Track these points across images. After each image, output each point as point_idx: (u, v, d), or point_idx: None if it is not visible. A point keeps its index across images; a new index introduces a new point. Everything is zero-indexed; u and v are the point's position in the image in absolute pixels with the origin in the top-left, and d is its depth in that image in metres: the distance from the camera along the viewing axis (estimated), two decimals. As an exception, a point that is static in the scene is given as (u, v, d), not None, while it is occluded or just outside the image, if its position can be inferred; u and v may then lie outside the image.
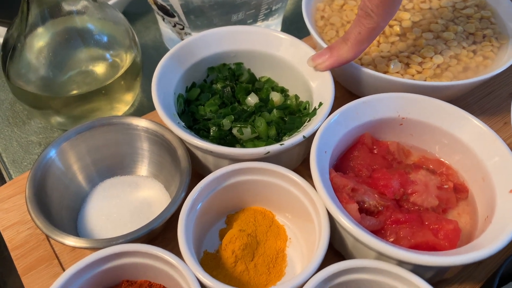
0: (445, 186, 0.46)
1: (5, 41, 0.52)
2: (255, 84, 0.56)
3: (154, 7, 0.61)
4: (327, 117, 0.45)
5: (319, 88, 0.49)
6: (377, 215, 0.43)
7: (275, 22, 0.66)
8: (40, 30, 0.51)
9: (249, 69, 0.56)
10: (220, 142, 0.49)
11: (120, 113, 0.59)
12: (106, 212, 0.47)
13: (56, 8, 0.50)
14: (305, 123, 0.49)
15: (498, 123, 0.58)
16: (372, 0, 0.42)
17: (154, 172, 0.51)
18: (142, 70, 0.59)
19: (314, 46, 0.56)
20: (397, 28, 0.57)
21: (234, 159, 0.45)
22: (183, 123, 0.48)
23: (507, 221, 0.39)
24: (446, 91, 0.51)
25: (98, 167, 0.50)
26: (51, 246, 0.47)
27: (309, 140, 0.45)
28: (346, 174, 0.46)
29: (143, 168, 0.51)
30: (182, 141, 0.47)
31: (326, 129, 0.45)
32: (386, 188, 0.44)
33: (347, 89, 0.60)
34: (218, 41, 0.54)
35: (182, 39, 0.61)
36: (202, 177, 0.44)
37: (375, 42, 0.56)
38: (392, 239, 0.41)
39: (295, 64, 0.53)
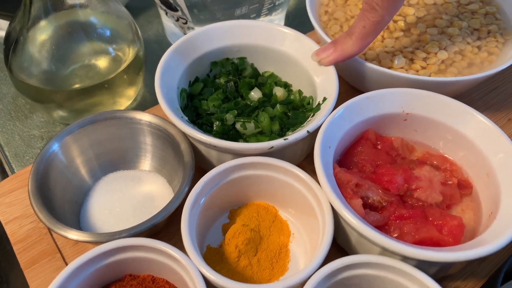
0: (449, 182, 0.46)
1: (8, 34, 0.52)
2: (258, 79, 0.55)
3: (157, 1, 0.60)
4: (331, 112, 0.45)
5: (323, 83, 0.49)
6: (381, 211, 0.43)
7: (278, 17, 0.66)
8: (42, 23, 0.51)
9: (252, 64, 0.56)
10: (223, 137, 0.49)
11: (122, 108, 0.59)
12: (108, 206, 0.47)
13: (59, 1, 0.50)
14: (309, 118, 0.48)
15: (503, 119, 0.58)
16: (377, -6, 0.42)
17: (157, 166, 0.50)
18: (145, 65, 0.59)
19: (318, 41, 0.56)
20: (401, 24, 0.56)
21: (238, 154, 0.45)
22: (186, 118, 0.48)
23: (512, 217, 0.39)
24: (450, 87, 0.51)
25: (100, 161, 0.50)
26: (54, 240, 0.47)
27: (312, 135, 0.45)
28: (349, 169, 0.46)
29: (146, 163, 0.51)
30: (185, 135, 0.47)
31: (330, 124, 0.44)
32: (390, 183, 0.44)
33: (350, 84, 0.59)
34: (221, 36, 0.54)
35: (185, 34, 0.61)
36: (205, 172, 0.44)
37: (379, 37, 0.55)
38: (396, 235, 0.41)
39: (299, 59, 0.52)
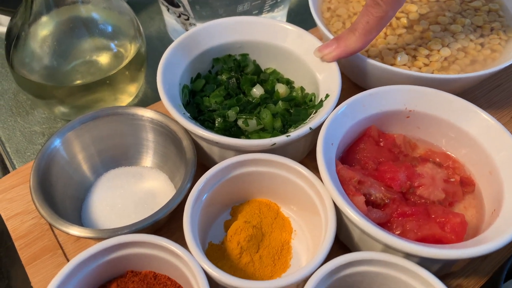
0: (452, 180, 0.46)
1: (9, 30, 0.52)
2: (260, 76, 0.55)
3: (159, -3, 0.60)
4: (334, 109, 0.45)
5: (326, 80, 0.49)
6: (384, 208, 0.42)
7: (281, 13, 0.66)
8: (44, 19, 0.51)
9: (254, 60, 0.56)
10: (225, 134, 0.48)
11: (123, 104, 0.58)
12: (110, 203, 0.47)
13: (61, -4, 0.50)
14: (311, 115, 0.48)
15: (505, 116, 0.58)
16: (381, -11, 0.42)
17: (158, 163, 0.50)
18: (146, 61, 0.59)
19: (320, 38, 0.55)
20: (404, 20, 0.56)
21: (240, 150, 0.45)
22: (188, 114, 0.47)
23: (515, 215, 0.39)
24: (453, 84, 0.51)
25: (102, 157, 0.49)
26: (55, 236, 0.47)
27: (315, 132, 0.45)
28: (352, 166, 0.45)
29: (148, 159, 0.51)
30: (187, 132, 0.47)
31: (333, 121, 0.44)
32: (393, 181, 0.44)
33: (353, 81, 0.59)
34: (223, 32, 0.54)
35: (187, 30, 0.61)
36: (206, 168, 0.44)
37: (381, 34, 0.55)
38: (398, 232, 0.41)
39: (301, 56, 0.52)
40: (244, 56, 0.55)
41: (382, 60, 0.53)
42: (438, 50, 0.53)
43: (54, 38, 0.52)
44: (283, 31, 0.53)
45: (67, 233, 0.41)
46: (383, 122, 0.48)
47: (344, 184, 0.42)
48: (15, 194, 0.49)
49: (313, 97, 0.51)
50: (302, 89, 0.53)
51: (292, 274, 0.37)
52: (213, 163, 0.46)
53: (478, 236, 0.40)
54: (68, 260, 0.45)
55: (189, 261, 0.38)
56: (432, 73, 0.52)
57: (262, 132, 0.49)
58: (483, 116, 0.45)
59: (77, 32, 0.52)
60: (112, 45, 0.55)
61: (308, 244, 0.45)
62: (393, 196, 0.43)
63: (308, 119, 0.48)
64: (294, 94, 0.53)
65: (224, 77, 0.54)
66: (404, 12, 0.57)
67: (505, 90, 0.60)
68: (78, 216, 0.46)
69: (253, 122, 0.49)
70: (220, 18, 0.54)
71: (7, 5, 0.61)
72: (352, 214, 0.38)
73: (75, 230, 0.40)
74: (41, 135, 0.57)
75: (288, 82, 0.55)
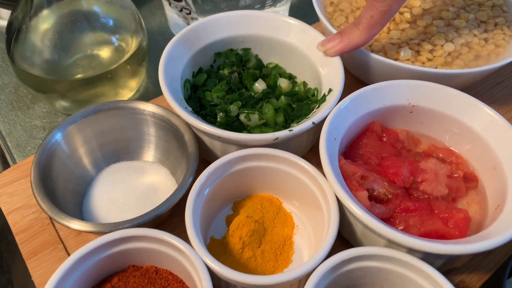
0: (455, 175, 0.46)
1: (10, 23, 0.51)
2: (262, 70, 0.55)
3: (160, -9, 0.60)
4: (337, 104, 0.45)
5: (329, 75, 0.49)
6: (387, 203, 0.42)
7: (283, 8, 0.65)
8: (45, 12, 0.50)
9: (256, 55, 0.56)
10: (227, 128, 0.48)
11: (125, 99, 0.58)
12: (111, 197, 0.47)
13: (62, -11, 0.49)
14: (314, 110, 0.48)
15: (509, 112, 0.57)
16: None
17: (160, 157, 0.50)
18: (148, 56, 0.58)
19: (323, 32, 0.55)
20: (407, 15, 0.56)
21: (242, 145, 0.45)
22: (190, 108, 0.47)
23: (519, 210, 0.39)
24: (456, 79, 0.50)
25: (103, 151, 0.49)
26: (56, 230, 0.47)
27: (317, 127, 0.45)
28: (355, 161, 0.45)
29: (149, 154, 0.50)
30: (189, 126, 0.46)
31: (336, 116, 0.44)
32: (396, 176, 0.44)
33: (356, 77, 0.59)
34: (225, 26, 0.53)
35: (189, 24, 0.60)
36: (208, 163, 0.44)
37: (385, 29, 0.55)
38: (401, 227, 0.41)
39: (304, 50, 0.52)
40: (246, 50, 0.55)
41: (386, 55, 0.53)
42: (442, 45, 0.53)
43: (55, 31, 0.51)
44: (286, 26, 0.53)
45: (68, 227, 0.40)
46: (386, 117, 0.48)
47: (347, 179, 0.41)
48: (16, 188, 0.49)
49: (315, 92, 0.51)
50: (304, 83, 0.53)
51: (295, 269, 0.37)
52: (215, 157, 0.46)
53: (481, 231, 0.40)
54: (69, 255, 0.45)
55: (191, 255, 0.37)
56: (436, 68, 0.51)
57: (264, 127, 0.49)
58: (487, 111, 0.45)
59: (78, 26, 0.52)
60: (114, 39, 0.55)
61: (310, 239, 0.45)
62: (396, 192, 0.42)
63: (310, 114, 0.47)
64: (296, 88, 0.53)
65: (226, 71, 0.53)
66: (408, 7, 0.57)
67: (508, 86, 0.60)
68: (79, 211, 0.46)
69: (255, 117, 0.48)
70: (222, 12, 0.54)
71: (8, -1, 0.60)
72: (355, 209, 0.38)
73: (76, 224, 0.40)
74: (41, 129, 0.57)
75: (291, 77, 0.55)
